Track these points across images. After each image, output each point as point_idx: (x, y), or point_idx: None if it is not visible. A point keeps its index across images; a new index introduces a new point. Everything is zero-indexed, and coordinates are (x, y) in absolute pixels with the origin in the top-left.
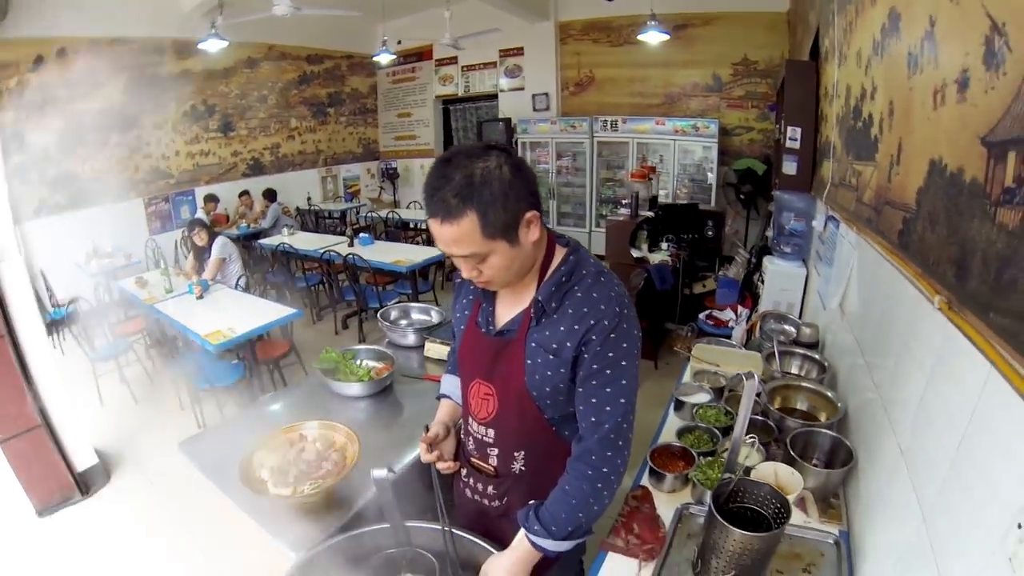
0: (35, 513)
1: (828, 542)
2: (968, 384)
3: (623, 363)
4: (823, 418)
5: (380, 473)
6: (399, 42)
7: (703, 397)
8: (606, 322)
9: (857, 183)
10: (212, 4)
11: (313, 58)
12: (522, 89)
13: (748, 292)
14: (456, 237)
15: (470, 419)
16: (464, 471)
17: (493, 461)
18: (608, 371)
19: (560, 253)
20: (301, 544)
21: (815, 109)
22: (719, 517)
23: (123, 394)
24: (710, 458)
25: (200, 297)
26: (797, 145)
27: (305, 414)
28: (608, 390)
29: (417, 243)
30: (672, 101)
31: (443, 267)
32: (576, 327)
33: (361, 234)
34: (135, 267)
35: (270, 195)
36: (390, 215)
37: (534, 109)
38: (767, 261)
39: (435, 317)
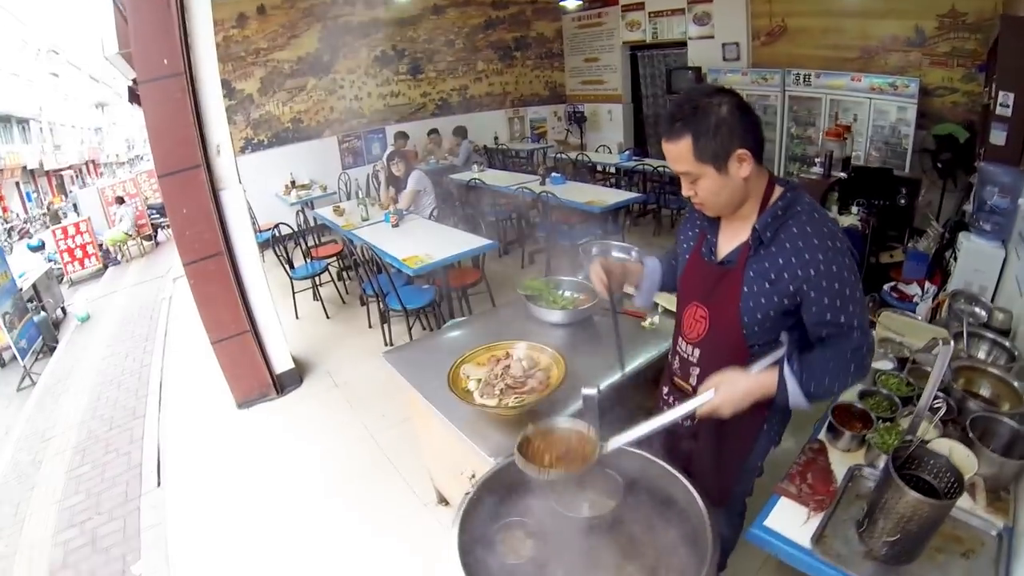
0: (235, 406)
1: (991, 533)
2: None
3: (847, 290)
4: (1006, 407)
5: (590, 391)
6: None
7: (886, 364)
8: (820, 256)
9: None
10: None
11: (498, 3)
12: (711, 37)
13: (938, 268)
14: (674, 155)
15: (680, 339)
16: (666, 389)
17: (693, 380)
18: (845, 292)
19: (778, 191)
20: (499, 451)
21: None
22: (896, 476)
23: (316, 310)
24: (888, 424)
25: (396, 225)
26: (1009, 112)
27: (503, 336)
28: (849, 307)
29: (607, 185)
30: (869, 55)
31: (630, 212)
32: (793, 260)
33: (553, 173)
34: (330, 198)
35: (461, 132)
36: (579, 157)
37: (724, 59)
38: (962, 237)
39: (635, 256)
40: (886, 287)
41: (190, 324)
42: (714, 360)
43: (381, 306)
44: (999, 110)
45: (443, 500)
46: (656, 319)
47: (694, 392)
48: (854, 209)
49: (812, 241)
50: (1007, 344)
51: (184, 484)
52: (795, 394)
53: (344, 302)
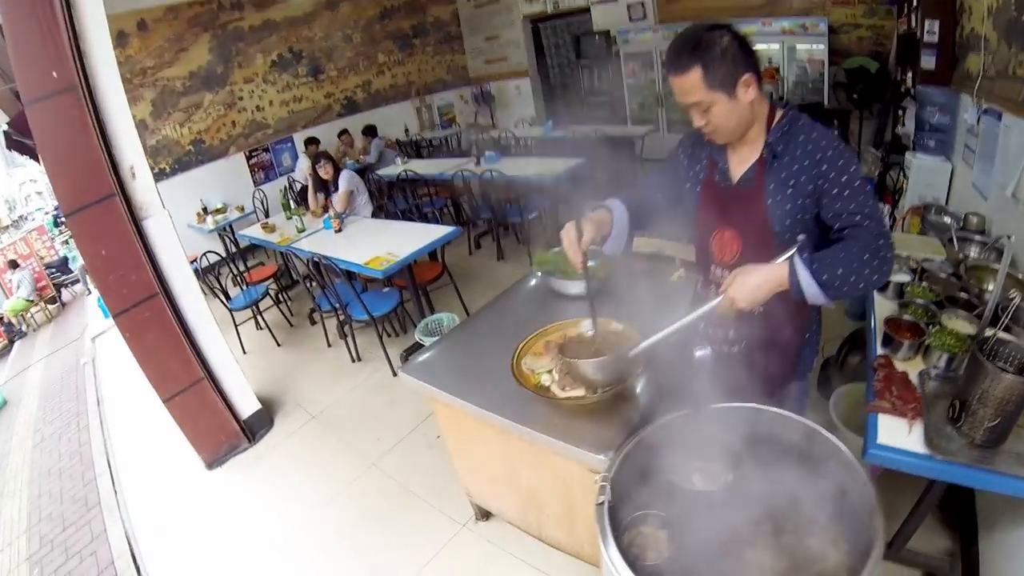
0: (205, 467)
1: None
2: None
3: (857, 182)
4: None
5: (703, 352)
6: None
7: (904, 276)
8: (830, 153)
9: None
10: None
11: None
12: (615, 0)
13: (884, 190)
14: (686, 87)
15: (712, 267)
16: (701, 324)
17: None
18: (855, 184)
19: (778, 112)
20: (602, 445)
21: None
22: (991, 365)
23: (264, 340)
24: (938, 327)
25: (339, 230)
26: (935, 39)
27: (530, 322)
28: (860, 198)
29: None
30: (774, 1)
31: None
32: (807, 163)
33: (487, 152)
34: (248, 218)
35: (371, 131)
36: (503, 135)
37: (630, 19)
38: (910, 156)
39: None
40: None
41: (129, 385)
42: None
43: (341, 318)
44: (927, 37)
45: (483, 515)
46: (681, 271)
47: (738, 316)
48: None
49: (821, 143)
50: (992, 243)
51: None
52: (808, 284)
53: (292, 325)
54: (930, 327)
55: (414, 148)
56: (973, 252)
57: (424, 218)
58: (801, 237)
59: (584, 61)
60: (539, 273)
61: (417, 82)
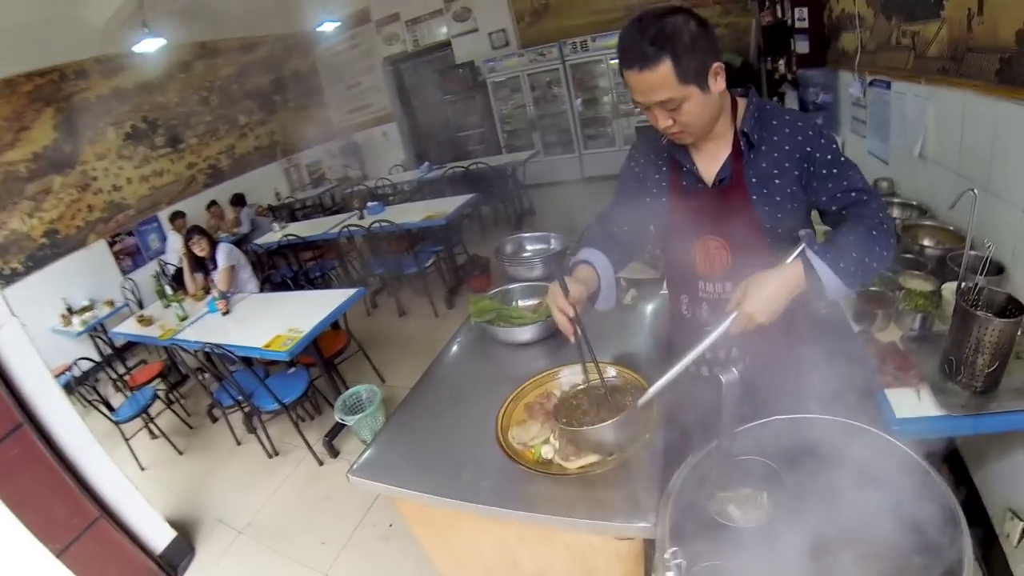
0: None
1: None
2: None
3: (841, 158)
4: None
5: (731, 376)
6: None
7: None
8: (811, 132)
9: (914, 42)
10: (130, 10)
11: (246, 47)
12: (476, 31)
13: None
14: (654, 83)
15: (699, 285)
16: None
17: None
18: (842, 160)
19: (741, 101)
20: (638, 508)
21: None
22: (981, 313)
23: (163, 451)
24: (903, 291)
25: (227, 312)
26: (806, 24)
27: (486, 383)
28: (850, 173)
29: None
30: (632, 13)
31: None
32: (787, 147)
33: (369, 203)
34: (121, 313)
35: (238, 200)
36: (379, 184)
37: (493, 48)
38: None
39: (556, 243)
40: None
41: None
42: None
43: (247, 410)
44: (798, 24)
45: None
46: (633, 291)
47: None
48: None
49: (797, 124)
50: (913, 202)
51: None
52: (828, 276)
53: (191, 427)
54: (894, 293)
55: (288, 212)
56: (896, 213)
57: (314, 284)
58: (805, 231)
59: (451, 96)
60: (475, 323)
61: (282, 141)
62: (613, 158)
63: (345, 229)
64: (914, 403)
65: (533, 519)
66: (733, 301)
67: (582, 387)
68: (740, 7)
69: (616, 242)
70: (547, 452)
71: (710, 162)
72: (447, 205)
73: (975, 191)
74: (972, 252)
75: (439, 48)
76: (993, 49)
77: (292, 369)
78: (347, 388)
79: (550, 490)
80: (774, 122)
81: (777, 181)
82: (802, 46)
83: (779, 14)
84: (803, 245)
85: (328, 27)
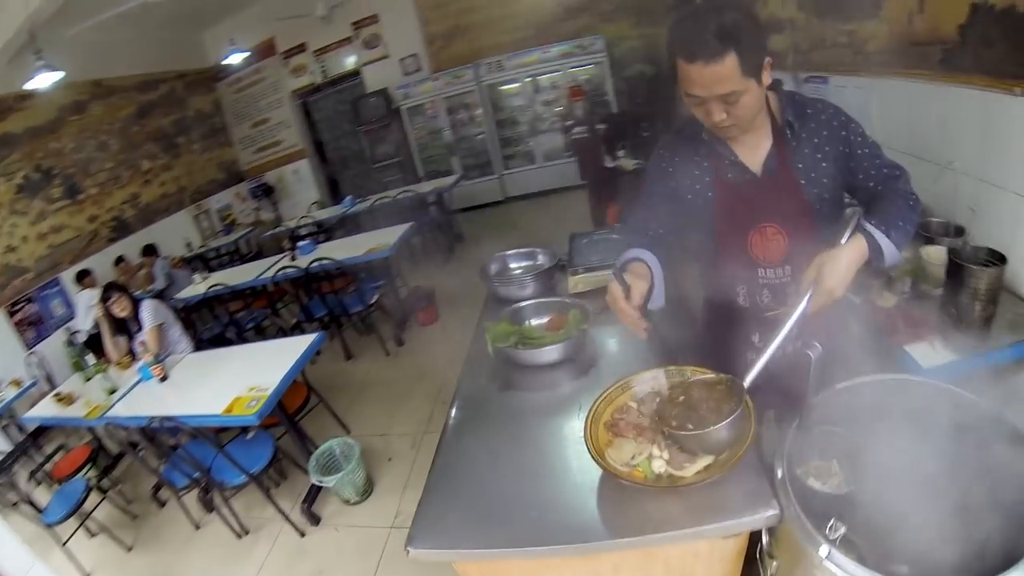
0: None
1: None
2: None
3: (869, 137)
4: None
5: (818, 351)
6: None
7: None
8: (843, 118)
9: (851, 40)
10: (18, 45)
11: (145, 85)
12: (387, 57)
13: None
14: (719, 77)
15: (759, 272)
16: (756, 337)
17: (792, 299)
18: (871, 141)
19: (771, 92)
20: (759, 497)
21: None
22: (972, 265)
23: (107, 550)
24: None
25: (164, 378)
26: None
27: (523, 415)
28: (879, 151)
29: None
30: (544, 30)
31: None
32: (826, 133)
33: (300, 243)
34: (31, 393)
35: (150, 251)
36: (301, 223)
37: (405, 74)
38: None
39: (544, 259)
40: None
41: None
42: (806, 264)
43: (205, 486)
44: None
45: None
46: (597, 305)
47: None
48: (620, 153)
49: (830, 110)
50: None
51: None
52: (887, 245)
53: (135, 516)
54: None
55: (203, 263)
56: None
57: (245, 339)
58: (853, 208)
59: (364, 126)
60: (495, 350)
61: (189, 187)
62: (534, 176)
63: (280, 272)
64: (932, 353)
65: (645, 541)
66: (806, 280)
67: (664, 391)
68: (651, 19)
69: (659, 243)
70: (658, 466)
71: (752, 153)
72: (388, 236)
73: (954, 167)
74: (935, 219)
75: (349, 77)
76: (935, 42)
77: (250, 434)
78: (315, 445)
79: (662, 505)
80: (808, 111)
81: (824, 164)
82: None
83: None
84: (858, 219)
85: (236, 59)
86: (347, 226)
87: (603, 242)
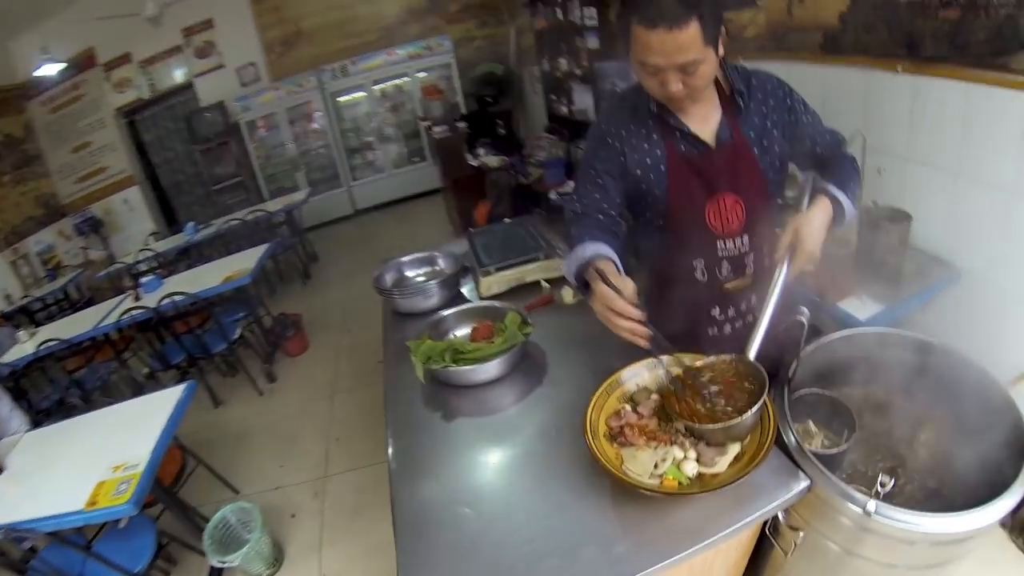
0: None
1: None
2: (953, 100)
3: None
4: None
5: (807, 315)
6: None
7: None
8: (786, 88)
9: (727, 28)
10: None
11: None
12: (222, 67)
13: (572, 162)
14: (681, 44)
15: (717, 245)
16: (716, 311)
17: (750, 268)
18: (812, 108)
19: None
20: (785, 474)
21: None
22: (885, 222)
23: None
24: None
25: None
26: (596, 22)
27: (472, 447)
28: (819, 119)
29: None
30: (390, 33)
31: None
32: (772, 102)
33: (142, 280)
34: None
35: None
36: (140, 258)
37: (242, 85)
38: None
39: (445, 263)
40: (552, 195)
41: None
42: (762, 236)
43: None
44: (587, 22)
45: None
46: (569, 292)
47: (753, 280)
48: (480, 151)
49: (773, 79)
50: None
51: None
52: (848, 206)
53: None
54: None
55: (27, 316)
56: None
57: (91, 402)
58: (808, 174)
59: (200, 145)
60: (427, 374)
61: (2, 228)
62: (383, 186)
63: (126, 316)
64: (862, 306)
65: (695, 553)
66: (783, 246)
67: (657, 386)
68: (496, 19)
69: (610, 230)
70: (691, 468)
71: (703, 124)
72: (245, 260)
73: (864, 135)
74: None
75: (181, 91)
76: (815, 28)
77: (121, 524)
78: (204, 518)
79: (701, 509)
80: (753, 81)
81: (775, 132)
82: (593, 43)
83: (560, 16)
84: (815, 182)
85: (49, 70)
86: (192, 256)
87: (505, 235)
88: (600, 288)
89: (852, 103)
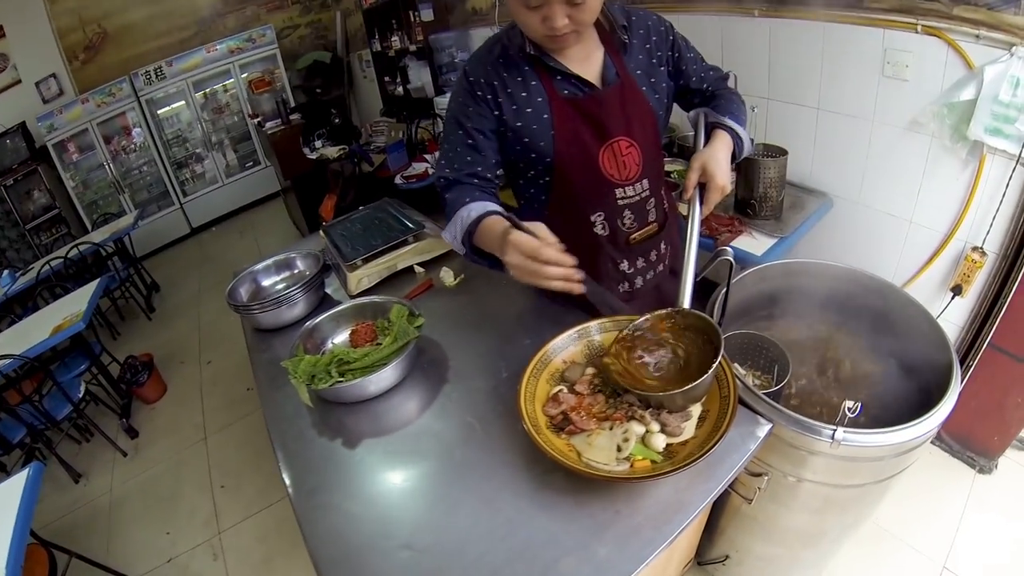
0: None
1: None
2: (811, 39)
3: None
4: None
5: (729, 253)
6: None
7: None
8: (666, 24)
9: None
10: None
11: None
12: (18, 83)
13: (415, 147)
14: None
15: (616, 193)
16: (625, 264)
17: (654, 215)
18: (694, 47)
19: None
20: (752, 417)
21: None
22: (761, 158)
23: None
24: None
25: None
26: None
27: (383, 465)
28: (701, 56)
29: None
30: (207, 27)
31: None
32: (655, 39)
33: None
34: None
35: None
36: None
37: (45, 101)
38: (442, 100)
39: (304, 264)
40: (398, 180)
41: None
42: (658, 179)
43: None
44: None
45: None
46: (447, 271)
47: (659, 226)
48: (317, 143)
49: (652, 17)
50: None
51: None
52: (745, 136)
53: None
54: (672, 177)
55: None
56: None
57: None
58: (699, 110)
59: (5, 178)
60: (313, 395)
61: None
62: (219, 198)
63: None
64: (755, 243)
65: (679, 530)
66: (690, 184)
67: (591, 357)
68: (320, 3)
69: (490, 193)
70: (659, 442)
71: (585, 65)
72: (74, 303)
73: (734, 74)
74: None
75: None
76: None
77: None
78: None
79: (674, 483)
80: (634, 17)
81: (661, 69)
82: (427, 14)
83: None
84: (709, 116)
85: None
86: (14, 310)
87: (364, 223)
88: (518, 238)
89: (711, 47)
